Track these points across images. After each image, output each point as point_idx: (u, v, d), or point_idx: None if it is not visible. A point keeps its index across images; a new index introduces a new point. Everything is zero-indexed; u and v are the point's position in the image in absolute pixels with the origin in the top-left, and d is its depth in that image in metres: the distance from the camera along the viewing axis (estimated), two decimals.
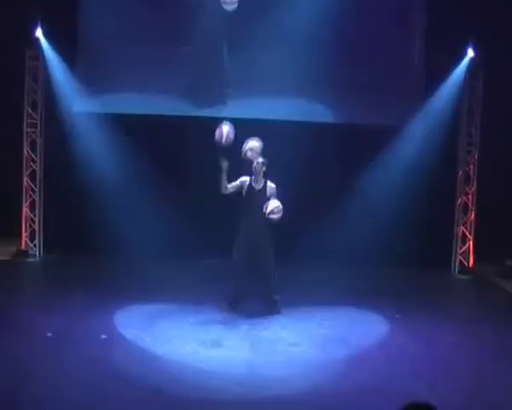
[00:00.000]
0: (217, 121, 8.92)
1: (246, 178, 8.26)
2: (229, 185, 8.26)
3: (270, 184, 8.22)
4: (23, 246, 11.09)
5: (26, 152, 11.00)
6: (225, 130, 8.23)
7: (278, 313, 8.28)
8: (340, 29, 10.65)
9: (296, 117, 10.76)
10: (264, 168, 8.20)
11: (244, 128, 10.56)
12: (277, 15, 10.55)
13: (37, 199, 11.07)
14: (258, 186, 8.22)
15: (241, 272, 8.22)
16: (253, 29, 10.54)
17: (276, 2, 10.67)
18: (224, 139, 8.20)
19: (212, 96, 10.95)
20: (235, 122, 8.65)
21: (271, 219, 8.04)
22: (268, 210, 8.01)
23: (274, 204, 8.04)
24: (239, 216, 8.33)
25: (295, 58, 10.74)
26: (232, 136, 8.26)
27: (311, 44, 10.48)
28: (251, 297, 8.38)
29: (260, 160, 8.20)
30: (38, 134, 10.99)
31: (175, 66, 10.92)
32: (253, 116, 10.62)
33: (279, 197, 8.17)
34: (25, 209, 11.05)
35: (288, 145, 10.27)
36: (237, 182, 8.28)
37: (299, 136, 10.36)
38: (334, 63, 10.81)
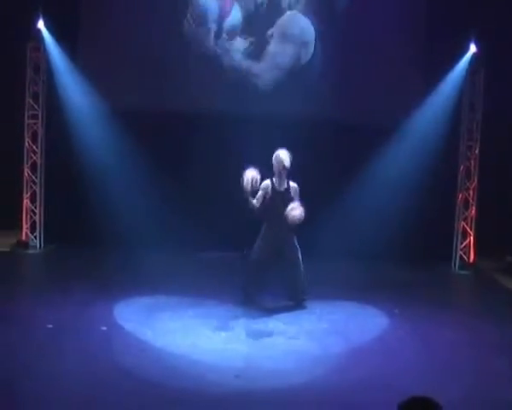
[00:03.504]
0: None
1: (267, 182, 8.12)
2: (255, 201, 8.03)
3: (293, 185, 8.11)
4: (24, 237, 11.11)
5: (27, 143, 11.01)
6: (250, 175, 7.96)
7: (304, 308, 8.25)
8: (339, 26, 10.65)
9: (298, 114, 10.77)
10: (286, 170, 8.10)
11: (244, 124, 10.64)
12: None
13: (37, 191, 11.08)
14: (282, 188, 8.10)
15: (256, 271, 8.16)
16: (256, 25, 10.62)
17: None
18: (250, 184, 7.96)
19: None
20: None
21: (291, 220, 7.93)
22: (292, 214, 7.90)
23: (297, 211, 7.91)
24: (262, 218, 8.18)
25: None
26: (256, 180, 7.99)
27: (310, 41, 10.50)
28: (261, 293, 8.36)
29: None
30: (40, 125, 10.99)
31: (179, 60, 10.92)
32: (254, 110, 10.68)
33: (301, 197, 8.10)
34: (25, 201, 11.06)
35: (292, 143, 10.28)
36: (260, 192, 8.07)
37: (301, 134, 10.36)
38: (335, 61, 10.81)
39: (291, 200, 8.05)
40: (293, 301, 8.34)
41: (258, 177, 7.97)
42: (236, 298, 8.39)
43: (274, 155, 8.12)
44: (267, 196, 8.09)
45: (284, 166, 8.03)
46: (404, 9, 10.94)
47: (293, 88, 10.77)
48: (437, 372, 6.57)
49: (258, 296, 8.36)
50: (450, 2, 10.67)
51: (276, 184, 8.12)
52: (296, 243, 8.20)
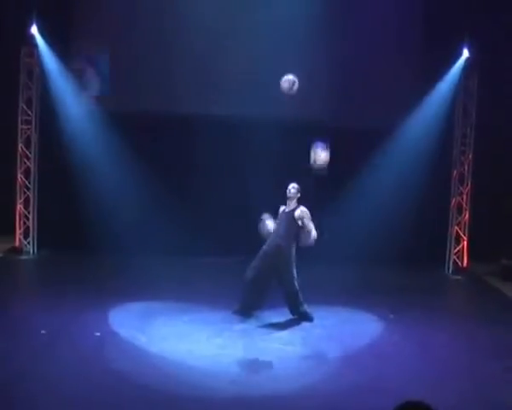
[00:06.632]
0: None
1: (282, 208, 8.23)
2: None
3: (302, 208, 8.11)
4: (17, 243, 11.07)
5: (20, 149, 10.97)
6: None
7: (311, 321, 8.17)
8: (336, 30, 10.67)
9: (297, 116, 10.78)
10: (298, 194, 8.15)
11: (243, 128, 10.64)
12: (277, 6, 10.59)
13: (31, 196, 11.04)
14: (288, 209, 8.16)
15: (251, 286, 8.08)
16: (253, 20, 10.60)
17: None
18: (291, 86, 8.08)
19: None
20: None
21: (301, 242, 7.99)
22: (304, 238, 7.97)
23: (309, 237, 7.96)
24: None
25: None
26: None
27: (308, 43, 10.51)
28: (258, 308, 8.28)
29: (295, 185, 8.16)
30: (33, 131, 10.96)
31: (172, 62, 10.91)
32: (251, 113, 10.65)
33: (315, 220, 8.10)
34: (19, 206, 11.03)
35: (289, 144, 10.30)
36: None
37: (299, 135, 10.38)
38: (332, 65, 10.83)
39: (293, 220, 8.04)
40: (295, 313, 8.26)
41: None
42: (232, 306, 8.33)
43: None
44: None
45: (290, 192, 8.15)
46: (400, 16, 10.97)
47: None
48: (432, 376, 6.57)
49: (256, 311, 8.25)
50: (444, 9, 10.71)
51: (286, 207, 8.19)
52: (292, 258, 8.08)
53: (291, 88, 8.09)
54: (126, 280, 9.56)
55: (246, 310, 8.18)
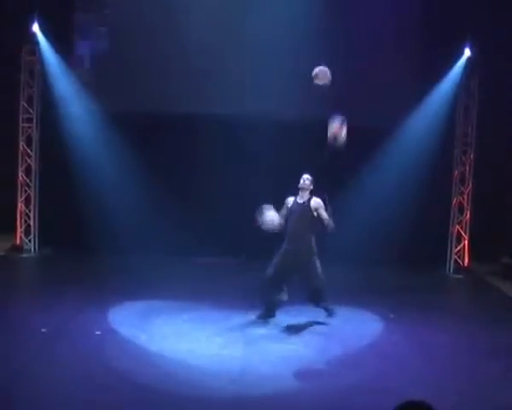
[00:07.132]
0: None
1: (291, 198, 8.13)
2: (280, 218, 7.98)
3: (316, 199, 8.03)
4: (18, 241, 11.07)
5: (21, 147, 10.98)
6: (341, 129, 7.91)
7: (331, 316, 8.12)
8: (336, 30, 10.66)
9: (297, 116, 10.76)
10: (311, 186, 8.08)
11: (242, 126, 10.63)
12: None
13: (32, 194, 11.05)
14: (302, 201, 8.08)
15: (273, 287, 7.99)
16: (253, 19, 10.57)
17: None
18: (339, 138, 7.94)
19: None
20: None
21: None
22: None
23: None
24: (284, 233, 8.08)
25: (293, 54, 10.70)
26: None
27: (308, 43, 10.49)
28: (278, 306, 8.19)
29: (309, 177, 8.09)
30: (34, 129, 10.96)
31: (173, 62, 10.90)
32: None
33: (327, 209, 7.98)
34: (20, 205, 11.03)
35: (287, 144, 10.29)
36: (283, 209, 8.09)
37: (298, 136, 10.37)
38: (332, 64, 10.80)
39: (310, 213, 7.98)
40: (318, 306, 8.17)
41: (276, 217, 7.90)
42: (232, 306, 8.32)
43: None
44: (288, 211, 8.09)
45: (304, 182, 8.06)
46: (400, 15, 10.94)
47: (291, 90, 10.75)
48: (432, 376, 6.57)
49: (277, 310, 8.17)
50: (445, 8, 10.70)
51: (299, 199, 8.10)
52: (315, 252, 7.99)
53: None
54: (127, 279, 9.57)
55: (268, 313, 8.08)
